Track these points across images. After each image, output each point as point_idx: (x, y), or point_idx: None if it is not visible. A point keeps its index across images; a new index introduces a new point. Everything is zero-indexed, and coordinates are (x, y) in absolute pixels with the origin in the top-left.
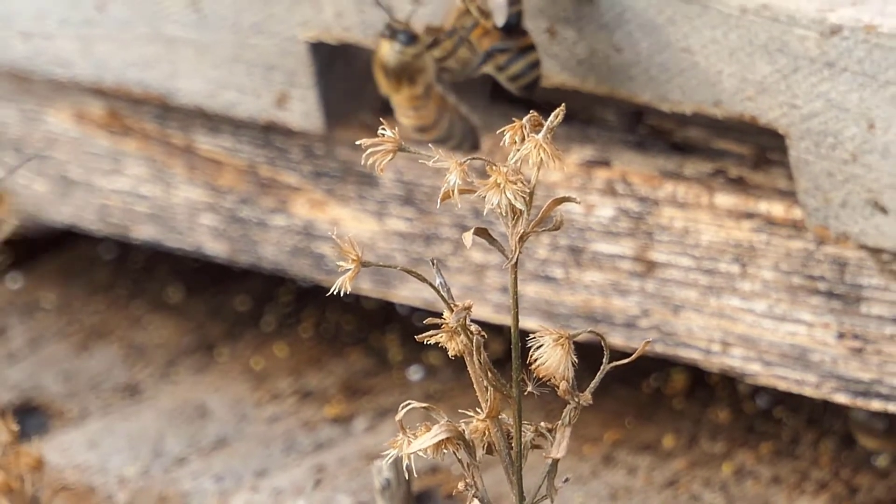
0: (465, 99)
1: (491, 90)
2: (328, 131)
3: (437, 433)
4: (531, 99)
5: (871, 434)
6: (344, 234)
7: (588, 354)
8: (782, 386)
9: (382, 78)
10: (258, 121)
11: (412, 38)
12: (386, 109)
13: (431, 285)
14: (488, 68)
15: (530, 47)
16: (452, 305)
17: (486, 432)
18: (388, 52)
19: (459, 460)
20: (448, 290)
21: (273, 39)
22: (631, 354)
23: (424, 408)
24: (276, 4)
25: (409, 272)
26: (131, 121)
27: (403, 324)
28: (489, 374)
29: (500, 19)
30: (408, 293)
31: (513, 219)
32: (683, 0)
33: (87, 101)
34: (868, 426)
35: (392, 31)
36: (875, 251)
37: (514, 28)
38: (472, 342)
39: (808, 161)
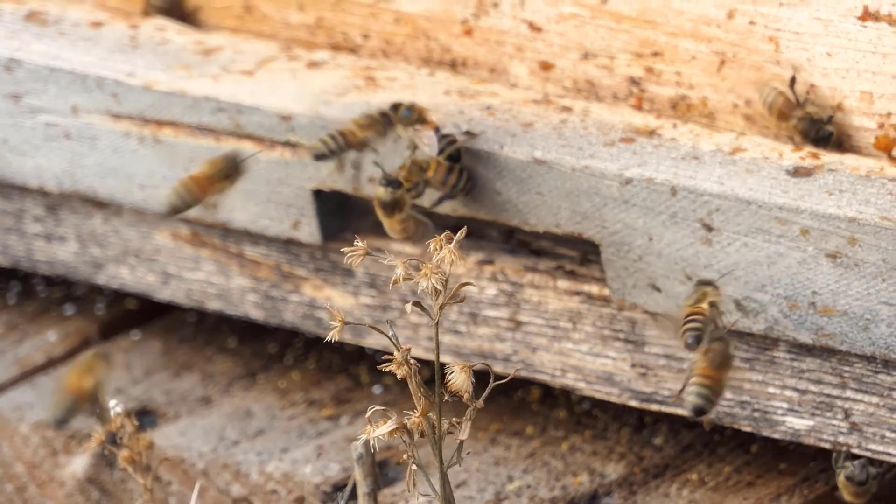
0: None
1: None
2: (324, 244)
3: (390, 425)
4: (446, 226)
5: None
6: (334, 306)
7: (480, 378)
8: (598, 396)
9: (379, 210)
10: (281, 237)
11: (398, 185)
12: (359, 230)
13: (387, 336)
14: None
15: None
16: (399, 348)
17: (420, 424)
18: (383, 193)
19: (404, 441)
20: (396, 339)
21: (290, 188)
22: (506, 377)
23: (383, 410)
24: (292, 168)
25: (374, 328)
26: (205, 238)
27: (370, 359)
28: (422, 389)
29: (434, 153)
30: (372, 341)
31: (435, 295)
32: (536, 164)
33: (178, 225)
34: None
35: (387, 181)
36: (653, 314)
37: (455, 159)
38: (411, 370)
39: (613, 260)
